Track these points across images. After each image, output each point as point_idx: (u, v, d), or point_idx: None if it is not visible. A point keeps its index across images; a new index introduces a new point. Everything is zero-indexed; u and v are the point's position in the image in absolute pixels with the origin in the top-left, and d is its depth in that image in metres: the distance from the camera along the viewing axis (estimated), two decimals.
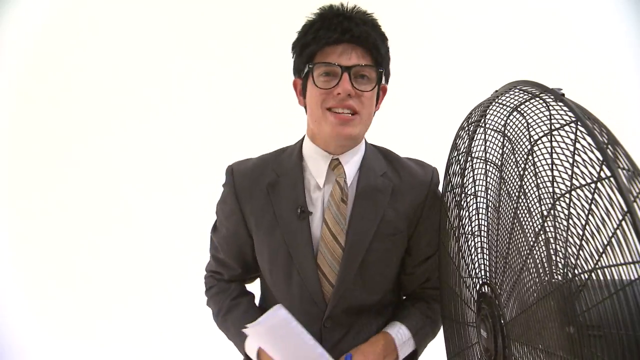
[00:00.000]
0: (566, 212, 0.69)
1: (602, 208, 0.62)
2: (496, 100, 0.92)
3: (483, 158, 0.96)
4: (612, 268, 0.60)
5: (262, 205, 1.01)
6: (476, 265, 1.01)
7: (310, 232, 0.98)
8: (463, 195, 1.05)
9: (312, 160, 1.02)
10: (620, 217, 0.58)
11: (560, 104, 0.72)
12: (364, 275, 1.00)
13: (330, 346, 1.00)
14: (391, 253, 1.03)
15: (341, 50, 0.93)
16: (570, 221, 0.68)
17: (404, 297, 1.19)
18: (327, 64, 0.93)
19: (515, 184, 0.83)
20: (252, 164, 1.05)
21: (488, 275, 0.96)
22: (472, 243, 1.03)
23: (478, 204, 1.00)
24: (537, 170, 0.76)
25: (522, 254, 0.81)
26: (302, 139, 1.08)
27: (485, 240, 0.97)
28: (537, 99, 0.77)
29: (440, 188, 1.12)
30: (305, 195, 0.99)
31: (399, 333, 1.05)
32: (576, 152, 0.67)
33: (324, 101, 0.94)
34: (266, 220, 1.00)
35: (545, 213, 0.74)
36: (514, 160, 0.83)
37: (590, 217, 0.64)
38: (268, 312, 0.89)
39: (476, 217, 1.01)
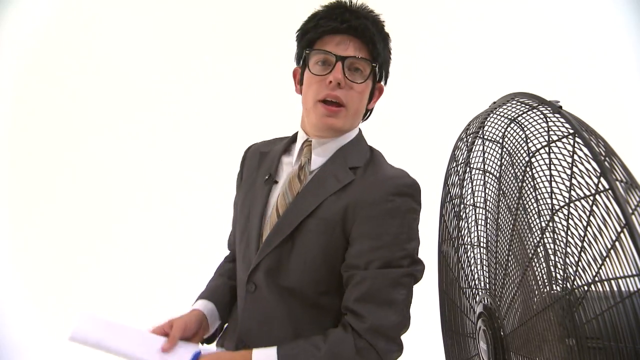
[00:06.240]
0: (564, 223, 0.69)
1: (599, 219, 0.62)
2: (494, 111, 0.92)
3: (482, 169, 0.97)
4: (612, 280, 0.60)
5: (251, 173, 1.11)
6: (475, 276, 1.01)
7: (267, 197, 1.04)
8: (462, 206, 1.06)
9: (295, 143, 1.08)
10: (619, 230, 0.58)
11: (557, 115, 0.72)
12: (288, 253, 0.97)
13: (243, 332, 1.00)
14: (319, 238, 0.96)
15: (339, 40, 0.96)
16: (569, 232, 0.68)
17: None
18: (323, 52, 0.96)
19: (514, 196, 0.83)
20: (263, 143, 1.16)
21: (488, 286, 0.95)
22: (472, 254, 1.03)
23: (477, 214, 1.01)
24: (535, 183, 0.76)
25: (522, 265, 0.81)
26: None
27: (484, 251, 0.97)
28: (535, 110, 0.78)
29: (441, 199, 1.11)
30: (278, 165, 1.07)
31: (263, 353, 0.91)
32: (574, 164, 0.67)
33: (317, 93, 0.97)
34: (247, 184, 1.10)
35: (543, 225, 0.74)
36: (512, 173, 0.83)
37: (588, 228, 0.64)
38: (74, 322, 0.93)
39: (475, 228, 1.01)
